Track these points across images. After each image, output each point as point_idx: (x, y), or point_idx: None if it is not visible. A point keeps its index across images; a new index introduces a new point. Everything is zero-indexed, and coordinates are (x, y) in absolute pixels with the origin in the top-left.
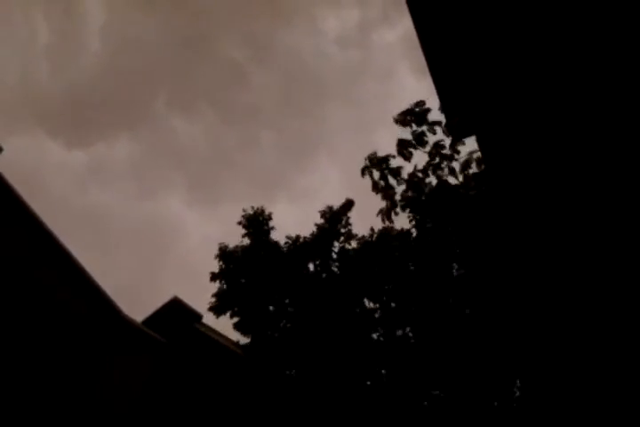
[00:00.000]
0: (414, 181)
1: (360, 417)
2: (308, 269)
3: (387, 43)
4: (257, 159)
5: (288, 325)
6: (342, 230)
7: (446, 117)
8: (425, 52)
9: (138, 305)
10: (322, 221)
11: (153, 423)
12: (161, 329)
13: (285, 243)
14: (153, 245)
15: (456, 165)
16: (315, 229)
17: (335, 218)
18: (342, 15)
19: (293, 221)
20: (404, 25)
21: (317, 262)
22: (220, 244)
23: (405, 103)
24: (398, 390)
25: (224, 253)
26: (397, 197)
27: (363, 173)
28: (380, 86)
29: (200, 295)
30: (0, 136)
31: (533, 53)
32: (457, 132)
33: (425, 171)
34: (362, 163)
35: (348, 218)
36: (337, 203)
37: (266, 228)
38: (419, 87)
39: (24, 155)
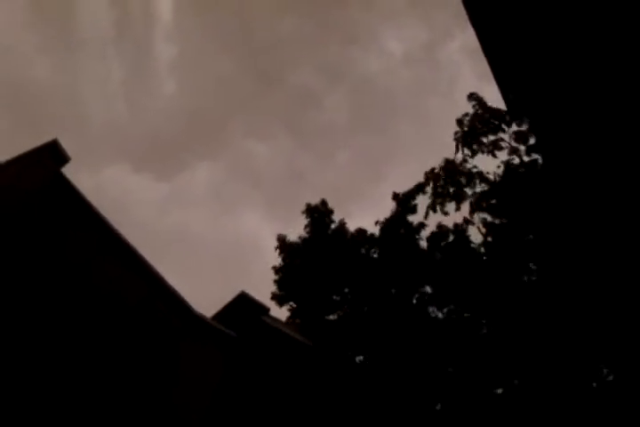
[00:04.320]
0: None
1: (426, 403)
2: (371, 257)
3: (450, 56)
4: (331, 176)
5: (349, 311)
6: (410, 219)
7: (502, 94)
8: (479, 35)
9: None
10: (393, 206)
11: (228, 415)
12: (230, 323)
13: (350, 235)
14: (234, 257)
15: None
16: (381, 223)
17: (405, 202)
18: (406, 34)
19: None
20: (465, 37)
21: (380, 251)
22: (279, 235)
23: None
24: (462, 372)
25: (284, 244)
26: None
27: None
28: (446, 98)
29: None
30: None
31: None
32: (513, 109)
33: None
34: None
35: (416, 206)
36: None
37: (327, 220)
38: (484, 94)
39: (111, 186)
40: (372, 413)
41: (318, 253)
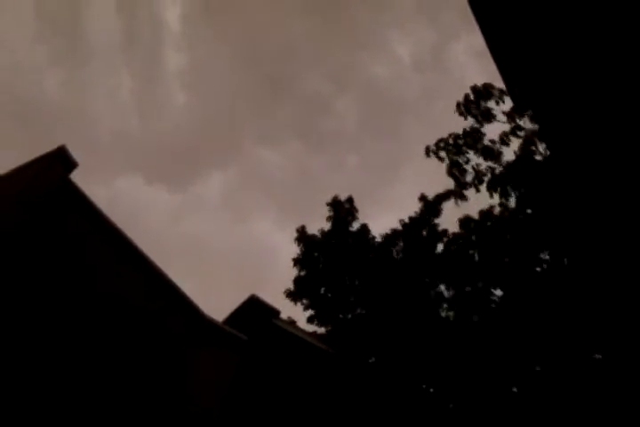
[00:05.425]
0: (489, 149)
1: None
2: (392, 256)
3: (457, 58)
4: (343, 181)
5: (364, 312)
6: (434, 220)
7: (508, 89)
8: (485, 34)
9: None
10: (420, 205)
11: (239, 420)
12: (241, 326)
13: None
14: (247, 264)
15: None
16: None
17: (430, 207)
18: (413, 38)
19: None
20: (471, 38)
21: (402, 249)
22: (299, 227)
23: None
24: (473, 372)
25: (303, 236)
26: (470, 171)
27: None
28: (455, 101)
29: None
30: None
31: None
32: (518, 101)
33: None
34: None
35: (441, 210)
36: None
37: (350, 217)
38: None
39: (124, 198)
40: (384, 416)
41: (337, 250)
